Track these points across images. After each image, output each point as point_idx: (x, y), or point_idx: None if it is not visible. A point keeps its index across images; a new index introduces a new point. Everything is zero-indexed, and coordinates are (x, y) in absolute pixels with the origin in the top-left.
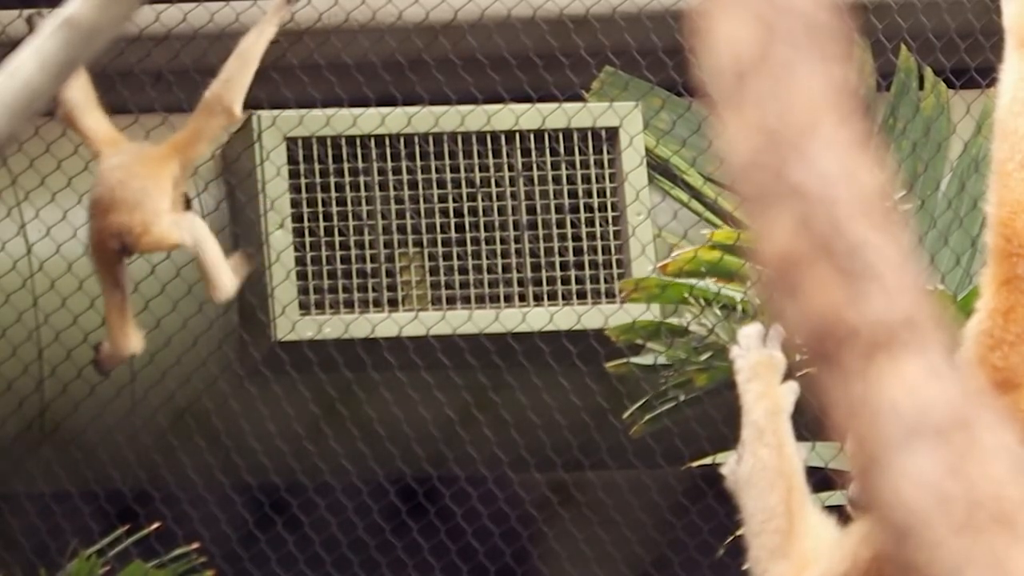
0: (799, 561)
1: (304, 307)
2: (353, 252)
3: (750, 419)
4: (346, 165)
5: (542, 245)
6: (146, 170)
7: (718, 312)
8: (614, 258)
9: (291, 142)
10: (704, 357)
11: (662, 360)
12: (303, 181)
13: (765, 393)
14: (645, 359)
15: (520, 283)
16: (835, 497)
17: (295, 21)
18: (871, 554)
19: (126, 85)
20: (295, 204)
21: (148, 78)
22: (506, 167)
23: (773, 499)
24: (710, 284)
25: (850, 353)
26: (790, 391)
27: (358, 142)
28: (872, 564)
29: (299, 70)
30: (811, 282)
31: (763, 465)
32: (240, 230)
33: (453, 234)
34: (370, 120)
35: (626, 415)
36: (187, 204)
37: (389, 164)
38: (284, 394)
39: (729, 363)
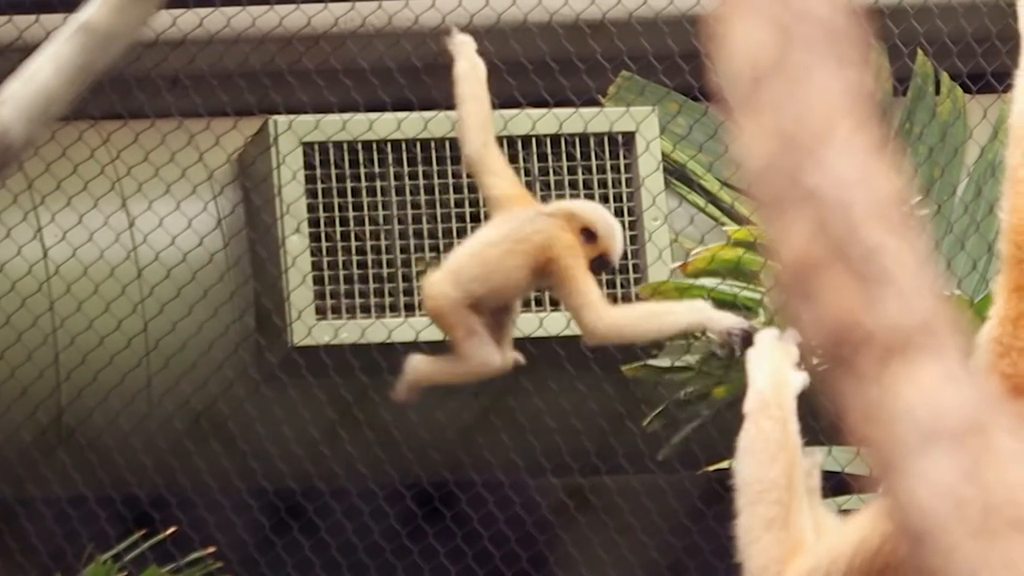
0: (797, 535)
1: (320, 312)
2: (369, 256)
3: (755, 389)
4: (362, 169)
5: None
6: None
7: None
8: (631, 263)
9: (307, 146)
10: (721, 361)
11: (679, 364)
12: (319, 185)
13: (774, 371)
14: (661, 362)
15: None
16: (851, 501)
17: (311, 26)
18: (879, 542)
19: (143, 89)
20: (311, 208)
21: (165, 82)
22: (523, 171)
23: (775, 471)
24: (728, 286)
25: (866, 357)
26: (799, 376)
27: (374, 146)
28: (879, 553)
29: (315, 74)
30: (827, 286)
31: (766, 437)
32: (256, 234)
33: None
34: (386, 124)
35: (646, 422)
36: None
37: (405, 168)
38: (300, 399)
39: (746, 372)
